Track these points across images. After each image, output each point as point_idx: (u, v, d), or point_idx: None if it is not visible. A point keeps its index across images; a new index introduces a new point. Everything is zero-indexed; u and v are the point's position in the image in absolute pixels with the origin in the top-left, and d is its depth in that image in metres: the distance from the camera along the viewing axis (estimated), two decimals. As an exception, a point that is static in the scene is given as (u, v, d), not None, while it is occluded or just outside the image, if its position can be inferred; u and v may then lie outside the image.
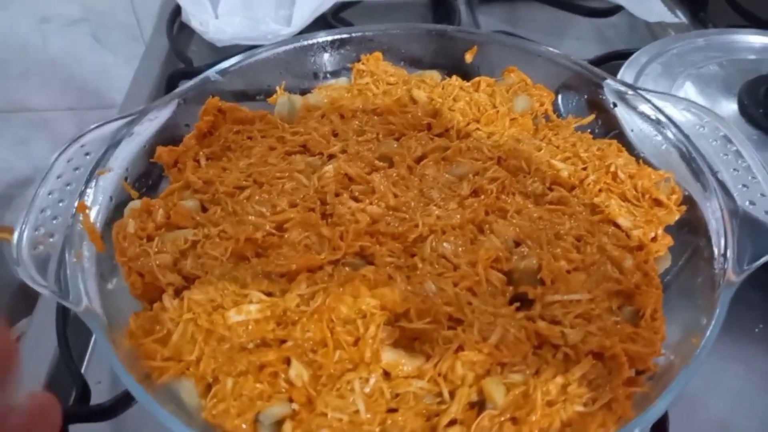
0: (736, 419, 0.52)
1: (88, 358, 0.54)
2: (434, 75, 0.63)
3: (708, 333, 0.38)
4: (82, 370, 0.52)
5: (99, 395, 0.48)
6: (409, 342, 0.41)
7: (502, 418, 0.36)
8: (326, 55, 0.66)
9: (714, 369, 0.54)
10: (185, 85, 0.57)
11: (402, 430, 0.37)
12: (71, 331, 0.52)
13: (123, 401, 0.45)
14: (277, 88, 0.61)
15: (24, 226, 0.43)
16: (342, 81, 0.64)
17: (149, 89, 0.81)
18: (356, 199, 0.49)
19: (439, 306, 0.41)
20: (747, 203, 0.46)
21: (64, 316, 0.51)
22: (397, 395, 0.38)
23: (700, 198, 0.49)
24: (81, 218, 0.44)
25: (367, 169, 0.52)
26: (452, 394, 0.38)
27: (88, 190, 0.47)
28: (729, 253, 0.43)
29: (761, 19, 0.89)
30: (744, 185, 0.48)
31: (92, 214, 0.46)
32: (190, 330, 0.40)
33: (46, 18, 1.13)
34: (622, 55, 0.77)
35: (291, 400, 0.38)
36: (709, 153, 0.50)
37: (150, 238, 0.46)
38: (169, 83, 0.76)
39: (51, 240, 0.43)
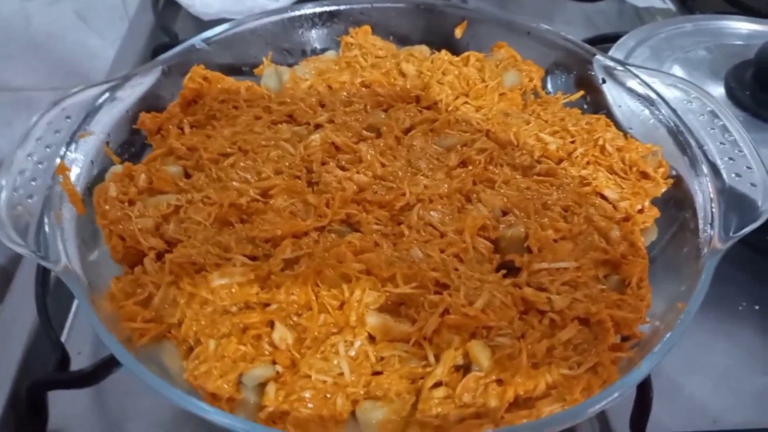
0: (720, 396, 0.52)
1: (68, 328, 0.53)
2: (423, 49, 0.63)
3: (693, 297, 0.38)
4: (62, 340, 0.51)
5: (79, 365, 0.47)
6: (394, 307, 0.40)
7: (488, 380, 0.36)
8: (314, 30, 0.65)
9: (698, 346, 0.54)
10: (170, 52, 0.56)
11: (386, 392, 0.36)
12: (51, 301, 0.51)
13: (103, 368, 0.44)
14: (264, 59, 0.60)
15: (2, 187, 0.42)
16: (330, 54, 0.63)
17: (134, 63, 0.80)
18: (343, 168, 0.49)
19: (426, 271, 0.40)
20: (733, 175, 0.47)
21: (43, 284, 0.50)
22: (382, 358, 0.38)
23: (686, 172, 0.49)
24: (61, 180, 0.43)
25: (355, 139, 0.51)
26: (437, 358, 0.38)
27: (69, 153, 0.46)
28: (715, 223, 0.43)
29: (748, 6, 0.90)
30: (730, 158, 0.48)
31: (72, 176, 0.45)
32: (172, 293, 0.40)
33: (28, -4, 1.11)
34: (611, 38, 0.77)
35: (274, 363, 0.38)
36: (696, 127, 0.51)
37: (132, 203, 0.45)
38: (154, 57, 0.74)
39: (30, 201, 0.42)
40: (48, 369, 0.46)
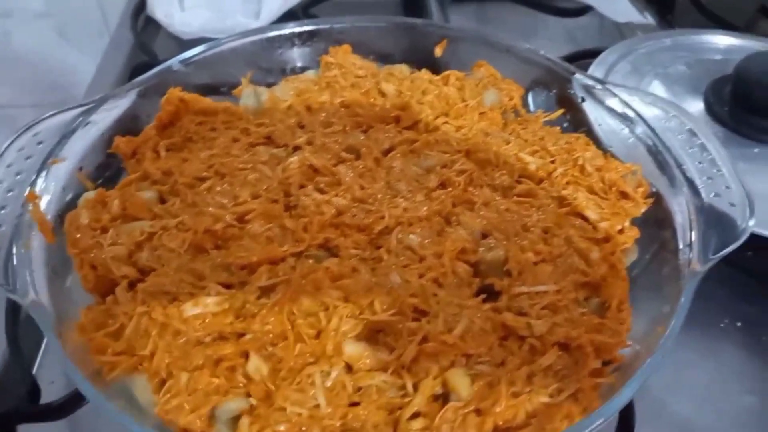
0: (702, 415, 0.52)
1: (40, 358, 0.51)
2: (403, 68, 0.62)
3: (673, 321, 0.37)
4: (34, 371, 0.49)
5: (52, 396, 0.46)
6: (372, 334, 0.40)
7: (467, 410, 0.35)
8: (294, 49, 0.65)
9: (680, 364, 0.54)
10: (146, 74, 0.55)
11: (364, 424, 0.36)
12: (23, 330, 0.50)
13: (73, 400, 0.43)
14: (243, 79, 0.60)
15: (-30, 216, 0.41)
16: (310, 74, 0.63)
17: (112, 83, 0.79)
18: (321, 191, 0.48)
19: (404, 297, 0.40)
20: (712, 195, 0.47)
21: (14, 314, 0.49)
22: (359, 389, 0.37)
23: (666, 191, 0.49)
24: (30, 208, 0.42)
25: (333, 161, 0.51)
26: (416, 387, 0.37)
27: (39, 180, 0.45)
28: (694, 244, 0.43)
29: (726, 21, 0.91)
30: (709, 177, 0.48)
31: (43, 204, 0.44)
32: (144, 323, 0.39)
33: (9, 12, 1.10)
34: (591, 54, 0.78)
35: (249, 395, 0.37)
36: (674, 146, 0.51)
37: (104, 230, 0.44)
38: (133, 76, 0.73)
39: (-2, 230, 0.41)
40: (18, 400, 0.45)
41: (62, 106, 0.50)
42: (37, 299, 0.38)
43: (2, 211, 0.42)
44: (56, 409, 0.43)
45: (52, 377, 0.49)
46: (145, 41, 0.82)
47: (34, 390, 0.45)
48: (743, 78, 0.67)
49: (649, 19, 0.95)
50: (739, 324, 0.57)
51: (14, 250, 0.40)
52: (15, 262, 0.39)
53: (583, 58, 0.79)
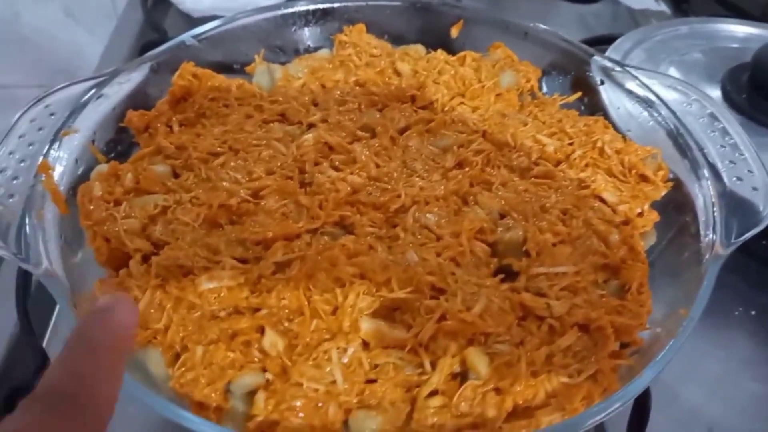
0: (715, 403, 0.51)
1: (49, 333, 0.51)
2: (419, 48, 0.62)
3: (696, 303, 0.37)
4: (44, 344, 0.49)
5: (61, 370, 0.46)
6: (389, 312, 0.39)
7: (486, 389, 0.35)
8: (307, 28, 0.64)
9: (694, 353, 0.53)
10: (159, 48, 0.54)
11: (381, 401, 0.35)
12: (33, 304, 0.49)
13: (85, 374, 0.42)
14: (256, 57, 0.59)
15: (-19, 186, 0.41)
16: (323, 53, 0.62)
17: (122, 61, 0.78)
18: (336, 169, 0.47)
19: (421, 275, 0.39)
20: (734, 179, 0.46)
21: (24, 288, 0.49)
22: (376, 366, 0.37)
23: (686, 175, 0.49)
24: (43, 178, 0.42)
25: (349, 139, 0.50)
26: (434, 365, 0.36)
27: (52, 151, 0.44)
28: (717, 228, 0.43)
29: (742, 9, 0.89)
30: (731, 161, 0.47)
31: (56, 175, 0.43)
32: (158, 297, 0.38)
33: (17, -8, 1.09)
34: (605, 40, 0.77)
35: (264, 370, 0.36)
36: (696, 130, 0.50)
37: (117, 203, 0.43)
38: (143, 54, 0.73)
39: (11, 200, 0.40)
40: (28, 375, 0.45)
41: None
42: (51, 269, 0.37)
43: (15, 182, 0.41)
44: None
45: (61, 353, 0.48)
46: (156, 19, 0.82)
47: (45, 364, 0.44)
48: (762, 65, 0.67)
49: (663, 7, 0.94)
50: (753, 313, 0.57)
51: (27, 221, 0.39)
52: (28, 232, 0.39)
53: (597, 44, 0.78)
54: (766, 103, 0.66)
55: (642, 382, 0.35)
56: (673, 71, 0.72)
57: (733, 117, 0.66)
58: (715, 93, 0.70)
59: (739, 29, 0.80)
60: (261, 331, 0.37)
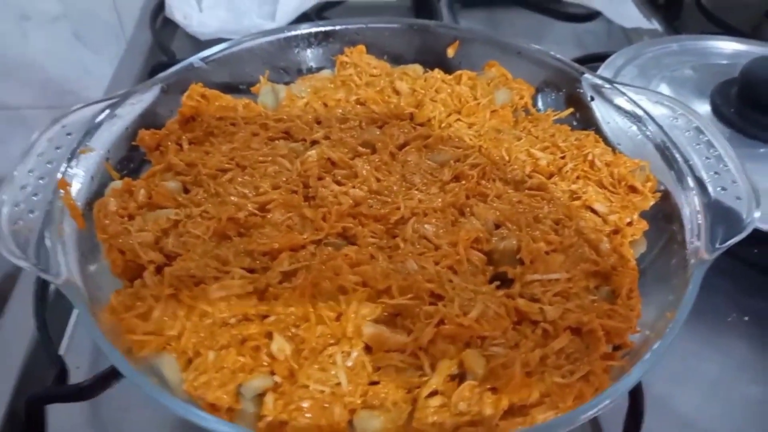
0: (710, 407, 0.53)
1: (66, 343, 0.53)
2: (417, 68, 0.64)
3: (682, 305, 0.39)
4: (61, 354, 0.51)
5: (78, 379, 0.48)
6: (390, 318, 0.41)
7: (482, 389, 0.37)
8: (310, 49, 0.66)
9: (688, 358, 0.55)
10: (169, 70, 0.57)
11: (383, 401, 0.37)
12: (50, 315, 0.51)
13: (102, 381, 0.44)
14: (261, 77, 0.62)
15: (3, 202, 0.43)
16: (325, 73, 0.64)
17: (132, 82, 0.81)
18: (339, 183, 0.50)
19: (421, 283, 0.41)
20: (719, 189, 0.48)
21: (42, 299, 0.51)
22: (378, 368, 0.39)
23: (673, 186, 0.51)
24: (62, 194, 0.44)
25: (350, 155, 0.52)
26: (433, 367, 0.38)
27: (69, 169, 0.46)
28: (701, 235, 0.44)
29: (733, 27, 0.92)
30: (715, 172, 0.49)
31: (73, 191, 0.46)
32: (172, 305, 0.40)
33: (27, 15, 1.12)
34: (599, 58, 0.79)
35: (273, 373, 0.38)
36: (682, 143, 0.52)
37: (131, 217, 0.46)
38: (152, 76, 0.75)
39: (31, 216, 0.42)
40: (46, 383, 0.47)
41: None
42: (71, 278, 0.39)
43: (34, 198, 0.44)
44: (86, 389, 0.44)
45: (77, 362, 0.50)
46: (164, 41, 0.85)
47: (63, 372, 0.46)
48: (750, 79, 0.69)
49: (655, 25, 0.97)
50: (746, 318, 0.59)
51: (47, 234, 0.42)
52: (48, 245, 0.41)
53: (591, 61, 0.81)
54: (754, 115, 0.68)
55: (631, 379, 0.36)
56: (664, 87, 0.75)
57: (721, 130, 0.69)
58: (705, 107, 0.72)
59: (727, 45, 0.83)
60: (269, 336, 0.39)
